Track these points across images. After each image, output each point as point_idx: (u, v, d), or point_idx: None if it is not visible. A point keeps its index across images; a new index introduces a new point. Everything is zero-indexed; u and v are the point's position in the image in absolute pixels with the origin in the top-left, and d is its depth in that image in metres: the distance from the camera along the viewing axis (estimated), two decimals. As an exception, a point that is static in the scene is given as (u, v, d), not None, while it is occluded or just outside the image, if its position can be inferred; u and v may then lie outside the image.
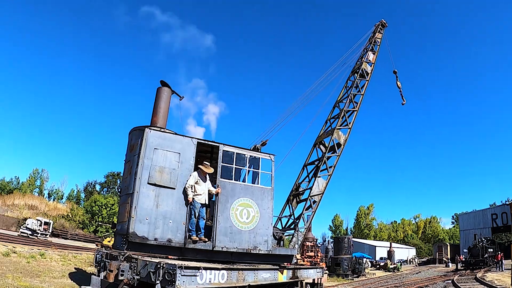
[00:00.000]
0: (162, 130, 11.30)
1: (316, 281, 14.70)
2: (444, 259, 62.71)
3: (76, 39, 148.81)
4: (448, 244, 73.65)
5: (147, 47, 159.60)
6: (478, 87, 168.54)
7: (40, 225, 40.17)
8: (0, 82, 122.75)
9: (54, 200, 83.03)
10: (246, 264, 11.25)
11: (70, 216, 60.35)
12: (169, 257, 10.47)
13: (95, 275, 11.09)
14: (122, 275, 9.15)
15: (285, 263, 13.01)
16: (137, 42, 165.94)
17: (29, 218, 43.16)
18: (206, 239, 10.82)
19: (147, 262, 9.01)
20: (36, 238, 36.94)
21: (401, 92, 21.63)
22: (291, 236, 14.52)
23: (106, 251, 10.60)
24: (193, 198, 10.67)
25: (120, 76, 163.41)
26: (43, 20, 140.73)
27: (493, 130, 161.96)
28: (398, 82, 21.60)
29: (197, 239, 10.68)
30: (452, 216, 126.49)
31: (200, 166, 11.07)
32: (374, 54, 19.79)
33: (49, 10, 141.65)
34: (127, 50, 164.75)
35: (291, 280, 12.48)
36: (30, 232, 38.49)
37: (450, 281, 23.94)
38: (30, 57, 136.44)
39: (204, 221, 11.04)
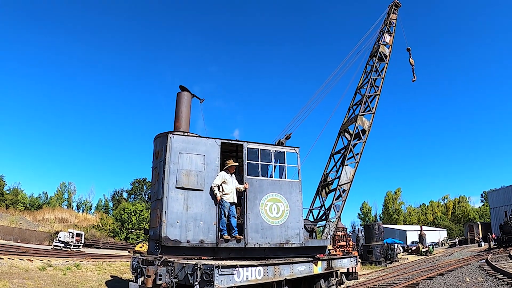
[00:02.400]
0: (186, 134, 11.37)
1: (350, 270, 14.68)
2: (476, 238, 61.71)
3: (99, 51, 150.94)
4: (479, 223, 72.42)
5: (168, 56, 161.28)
6: (505, 63, 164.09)
7: (72, 237, 40.79)
8: (20, 100, 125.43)
9: (83, 211, 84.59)
10: (281, 259, 11.26)
11: (101, 225, 61.41)
12: (203, 257, 10.56)
13: (132, 281, 11.26)
14: (160, 279, 9.27)
15: (318, 255, 12.99)
16: (158, 51, 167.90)
17: (61, 231, 43.89)
18: (241, 237, 10.87)
19: (184, 265, 9.11)
20: (69, 250, 37.56)
21: (413, 69, 21.41)
22: (323, 227, 14.47)
23: (142, 257, 10.74)
24: (221, 198, 10.73)
25: (142, 83, 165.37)
26: (61, 30, 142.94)
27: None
28: (411, 59, 21.36)
29: (229, 238, 10.73)
30: (481, 194, 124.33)
31: (226, 162, 11.18)
32: (390, 35, 19.48)
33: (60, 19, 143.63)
34: (146, 58, 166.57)
35: (326, 271, 12.47)
36: (63, 245, 39.10)
37: (484, 260, 23.52)
38: (47, 70, 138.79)
39: (236, 219, 11.08)
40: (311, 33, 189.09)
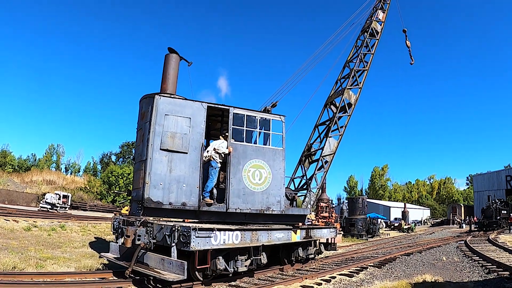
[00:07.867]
0: (172, 96, 11.29)
1: (329, 241, 14.93)
2: (457, 220, 62.89)
3: (87, 15, 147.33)
4: (462, 205, 73.97)
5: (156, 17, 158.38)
6: (494, 45, 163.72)
7: (59, 199, 40.83)
8: (7, 61, 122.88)
9: (71, 173, 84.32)
10: (260, 225, 11.43)
11: (88, 188, 61.59)
12: (186, 220, 10.67)
13: (113, 242, 11.41)
14: (139, 239, 9.41)
15: (298, 223, 13.19)
16: (147, 12, 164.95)
17: (48, 192, 43.87)
18: (211, 201, 10.94)
19: (163, 226, 9.24)
20: (55, 211, 37.67)
21: (410, 51, 21.45)
22: (304, 196, 14.65)
23: (123, 218, 10.83)
24: (211, 160, 10.88)
25: (129, 45, 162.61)
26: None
27: (509, 90, 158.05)
28: (407, 41, 21.34)
29: (211, 202, 10.83)
30: (467, 177, 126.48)
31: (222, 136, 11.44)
32: (384, 12, 19.34)
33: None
34: (135, 21, 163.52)
35: (304, 240, 12.70)
36: (49, 206, 39.16)
37: (463, 241, 24.07)
38: (38, 31, 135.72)
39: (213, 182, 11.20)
40: (304, 4, 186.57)
